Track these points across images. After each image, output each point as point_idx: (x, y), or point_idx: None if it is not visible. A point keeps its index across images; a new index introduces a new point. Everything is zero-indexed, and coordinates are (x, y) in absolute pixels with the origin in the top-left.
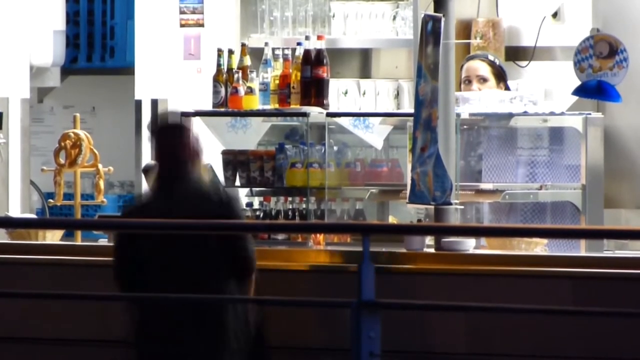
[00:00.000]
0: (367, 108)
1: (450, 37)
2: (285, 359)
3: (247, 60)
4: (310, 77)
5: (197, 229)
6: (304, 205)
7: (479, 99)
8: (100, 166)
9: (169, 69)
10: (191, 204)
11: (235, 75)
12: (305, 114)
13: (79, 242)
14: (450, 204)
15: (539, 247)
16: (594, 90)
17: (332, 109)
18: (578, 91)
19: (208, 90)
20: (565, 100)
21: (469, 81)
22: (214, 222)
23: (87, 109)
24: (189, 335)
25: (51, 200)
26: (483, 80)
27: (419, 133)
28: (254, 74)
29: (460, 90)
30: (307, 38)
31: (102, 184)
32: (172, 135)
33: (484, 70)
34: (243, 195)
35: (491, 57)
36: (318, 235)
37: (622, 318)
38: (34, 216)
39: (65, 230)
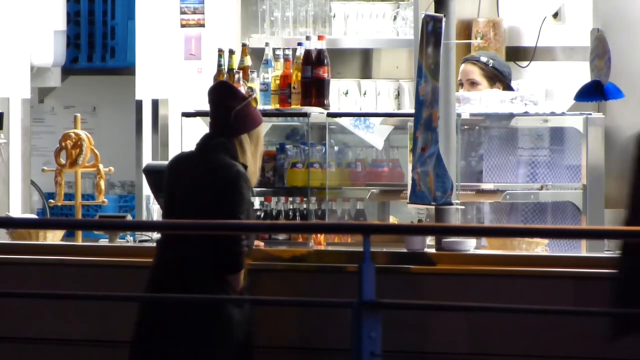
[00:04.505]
0: (367, 108)
1: (450, 37)
2: (285, 359)
3: (248, 61)
4: (310, 77)
5: (198, 229)
6: (304, 206)
7: (480, 99)
8: (101, 166)
9: (170, 69)
10: (204, 172)
11: (236, 76)
12: (306, 114)
13: (79, 243)
14: (451, 204)
15: (540, 247)
16: (594, 91)
17: (332, 109)
18: (579, 96)
19: None
20: (566, 100)
21: (461, 84)
22: (214, 222)
23: (88, 109)
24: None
25: (52, 201)
26: (473, 83)
27: (419, 133)
28: (254, 74)
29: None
30: (307, 38)
31: (102, 184)
32: (217, 93)
33: (474, 73)
34: None
35: (484, 59)
36: (319, 235)
37: (622, 318)
38: (34, 216)
39: (66, 231)
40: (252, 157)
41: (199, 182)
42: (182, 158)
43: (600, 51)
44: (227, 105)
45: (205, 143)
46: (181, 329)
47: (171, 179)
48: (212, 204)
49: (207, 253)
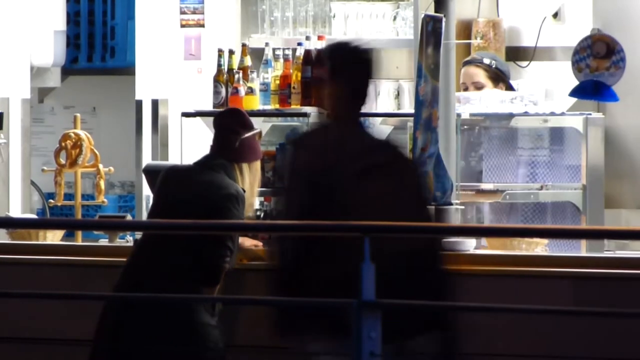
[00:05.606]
0: (367, 108)
1: (450, 37)
2: (284, 358)
3: (248, 61)
4: (310, 77)
5: (198, 229)
6: None
7: (480, 99)
8: (100, 166)
9: (170, 69)
10: (203, 186)
11: (236, 76)
12: (305, 114)
13: (79, 243)
14: (451, 204)
15: (540, 247)
16: (591, 91)
17: None
18: (575, 92)
19: (209, 91)
20: (565, 100)
21: (465, 87)
22: (214, 222)
23: (88, 109)
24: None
25: (52, 201)
26: (479, 87)
27: (419, 133)
28: (254, 74)
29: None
30: (307, 38)
31: (102, 184)
32: (227, 118)
33: (479, 76)
34: None
35: (487, 61)
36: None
37: (622, 318)
38: (34, 216)
39: (66, 231)
40: (250, 187)
41: (196, 195)
42: (179, 170)
43: (599, 51)
44: (235, 130)
45: (206, 162)
46: (154, 332)
47: (165, 189)
48: (205, 217)
49: (188, 261)
